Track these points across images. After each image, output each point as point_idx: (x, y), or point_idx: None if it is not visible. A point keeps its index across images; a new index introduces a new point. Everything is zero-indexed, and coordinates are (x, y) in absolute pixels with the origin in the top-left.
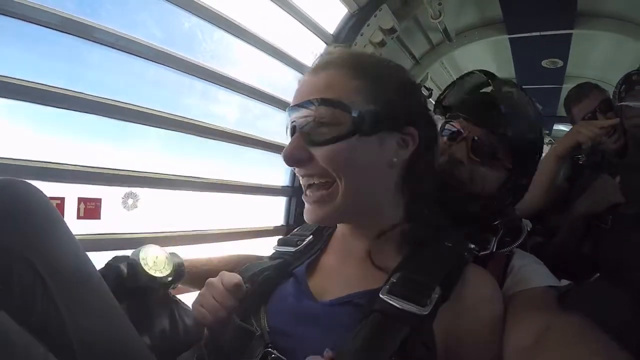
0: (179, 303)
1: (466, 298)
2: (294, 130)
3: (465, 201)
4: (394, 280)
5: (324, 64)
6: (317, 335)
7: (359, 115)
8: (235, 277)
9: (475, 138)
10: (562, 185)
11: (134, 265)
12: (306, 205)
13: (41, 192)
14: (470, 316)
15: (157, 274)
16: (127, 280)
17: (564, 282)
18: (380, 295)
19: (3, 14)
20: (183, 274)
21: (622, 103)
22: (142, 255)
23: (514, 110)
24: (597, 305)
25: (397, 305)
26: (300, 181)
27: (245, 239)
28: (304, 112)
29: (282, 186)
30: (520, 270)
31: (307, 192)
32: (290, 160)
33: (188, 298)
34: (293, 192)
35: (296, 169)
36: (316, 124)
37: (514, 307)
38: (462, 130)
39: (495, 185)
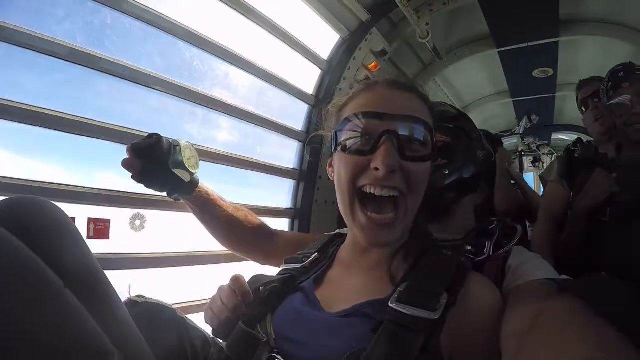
0: (186, 320)
1: (470, 303)
2: (380, 137)
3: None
4: (402, 290)
5: (409, 85)
6: (324, 343)
7: (434, 145)
8: (240, 280)
9: None
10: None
11: (173, 144)
12: (369, 226)
13: (57, 208)
14: (476, 319)
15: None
16: (157, 150)
17: (564, 277)
18: (390, 305)
19: (18, 46)
20: (197, 182)
21: (611, 102)
22: (183, 143)
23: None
24: (594, 292)
25: (408, 312)
26: (371, 189)
27: None
28: (406, 125)
29: (292, 168)
30: (519, 267)
31: (370, 214)
32: (388, 169)
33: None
34: (301, 176)
35: (379, 179)
36: (412, 141)
37: (512, 300)
38: None
39: None
